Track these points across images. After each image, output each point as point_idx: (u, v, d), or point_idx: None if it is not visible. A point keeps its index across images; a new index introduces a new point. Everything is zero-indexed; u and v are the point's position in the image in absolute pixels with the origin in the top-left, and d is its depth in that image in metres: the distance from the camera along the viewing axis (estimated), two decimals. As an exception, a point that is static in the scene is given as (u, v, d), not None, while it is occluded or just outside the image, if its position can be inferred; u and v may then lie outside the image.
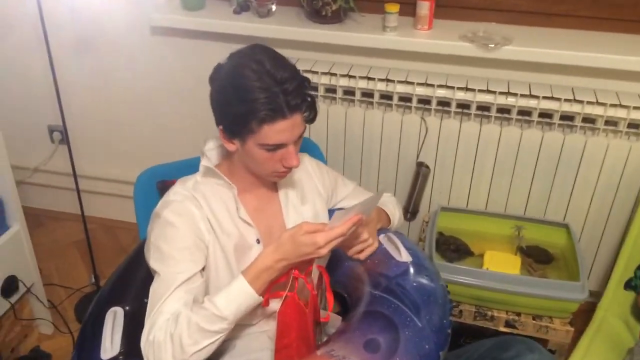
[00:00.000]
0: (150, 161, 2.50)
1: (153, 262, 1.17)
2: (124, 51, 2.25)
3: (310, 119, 1.16)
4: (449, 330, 1.19)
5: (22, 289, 1.89)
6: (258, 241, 1.26)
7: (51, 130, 2.51)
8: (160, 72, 2.25)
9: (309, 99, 1.14)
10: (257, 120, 1.08)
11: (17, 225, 1.86)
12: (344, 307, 1.39)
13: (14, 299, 1.86)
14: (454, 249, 1.83)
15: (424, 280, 1.22)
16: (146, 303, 1.34)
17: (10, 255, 1.85)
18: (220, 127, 1.16)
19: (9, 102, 2.48)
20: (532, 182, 1.93)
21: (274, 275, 1.12)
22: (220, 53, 1.17)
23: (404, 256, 1.27)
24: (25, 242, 1.89)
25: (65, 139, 2.12)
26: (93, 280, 2.18)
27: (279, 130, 1.10)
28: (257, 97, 1.07)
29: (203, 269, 1.19)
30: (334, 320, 1.29)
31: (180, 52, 2.18)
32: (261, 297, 1.12)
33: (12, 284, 1.84)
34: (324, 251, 1.09)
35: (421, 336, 1.14)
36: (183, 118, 2.33)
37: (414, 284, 1.21)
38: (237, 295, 1.10)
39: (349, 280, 1.34)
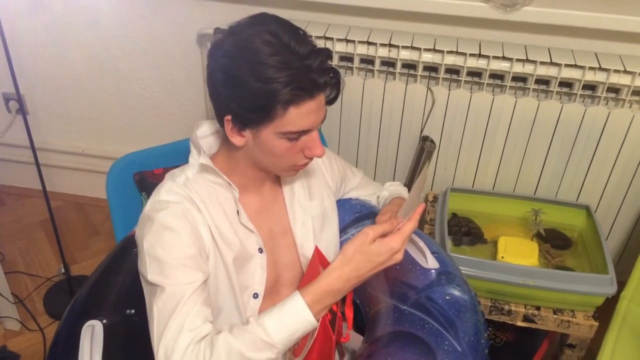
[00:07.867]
0: (122, 134, 2.21)
1: (152, 276, 0.94)
2: (88, 8, 1.98)
3: (332, 99, 0.98)
4: (486, 351, 1.03)
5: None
6: (260, 250, 1.07)
7: (7, 99, 2.24)
8: (134, 32, 2.00)
9: (336, 75, 0.95)
10: (282, 103, 0.90)
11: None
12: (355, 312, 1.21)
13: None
14: (465, 232, 1.67)
15: (455, 292, 1.04)
16: (129, 315, 1.17)
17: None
18: (228, 117, 0.95)
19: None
20: (545, 160, 1.78)
21: (337, 299, 0.95)
22: (205, 10, 0.93)
23: (431, 262, 1.09)
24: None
25: (20, 107, 1.87)
26: (62, 270, 1.96)
27: (305, 113, 0.92)
28: (277, 76, 0.88)
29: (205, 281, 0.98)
30: (353, 339, 1.12)
31: (158, 8, 1.91)
32: (317, 325, 0.93)
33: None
34: (401, 255, 0.93)
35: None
36: (162, 86, 2.08)
37: (447, 297, 1.04)
38: (292, 319, 0.90)
39: (364, 287, 1.16)
